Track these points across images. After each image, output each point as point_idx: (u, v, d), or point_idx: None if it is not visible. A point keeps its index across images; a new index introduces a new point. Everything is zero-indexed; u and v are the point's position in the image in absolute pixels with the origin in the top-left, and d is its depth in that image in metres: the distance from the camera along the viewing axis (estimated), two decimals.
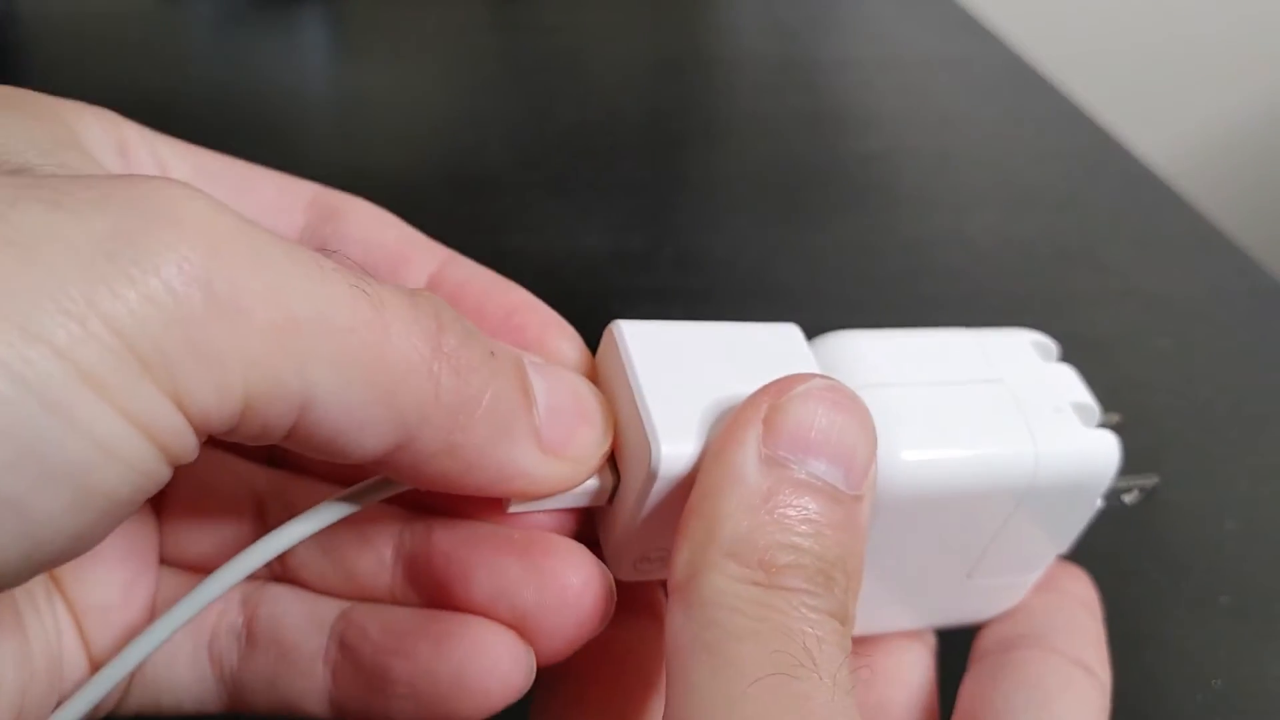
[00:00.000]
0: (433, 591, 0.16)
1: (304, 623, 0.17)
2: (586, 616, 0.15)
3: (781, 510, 0.14)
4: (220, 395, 0.12)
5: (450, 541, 0.16)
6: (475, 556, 0.16)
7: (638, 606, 0.19)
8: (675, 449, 0.15)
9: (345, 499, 0.16)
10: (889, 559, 0.18)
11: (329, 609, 0.17)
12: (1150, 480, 0.19)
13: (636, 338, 0.16)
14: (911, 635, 0.21)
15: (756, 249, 0.44)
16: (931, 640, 0.22)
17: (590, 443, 0.16)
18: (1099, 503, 0.19)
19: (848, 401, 0.15)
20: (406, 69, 0.59)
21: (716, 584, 0.14)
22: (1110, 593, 0.22)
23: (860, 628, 0.16)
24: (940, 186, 0.52)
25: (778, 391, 0.15)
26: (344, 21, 0.65)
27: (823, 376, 0.15)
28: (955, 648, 0.21)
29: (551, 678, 0.18)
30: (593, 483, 0.16)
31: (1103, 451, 0.18)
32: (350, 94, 0.58)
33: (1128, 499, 0.19)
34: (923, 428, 0.17)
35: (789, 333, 0.18)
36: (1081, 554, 0.21)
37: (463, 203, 0.46)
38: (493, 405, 0.14)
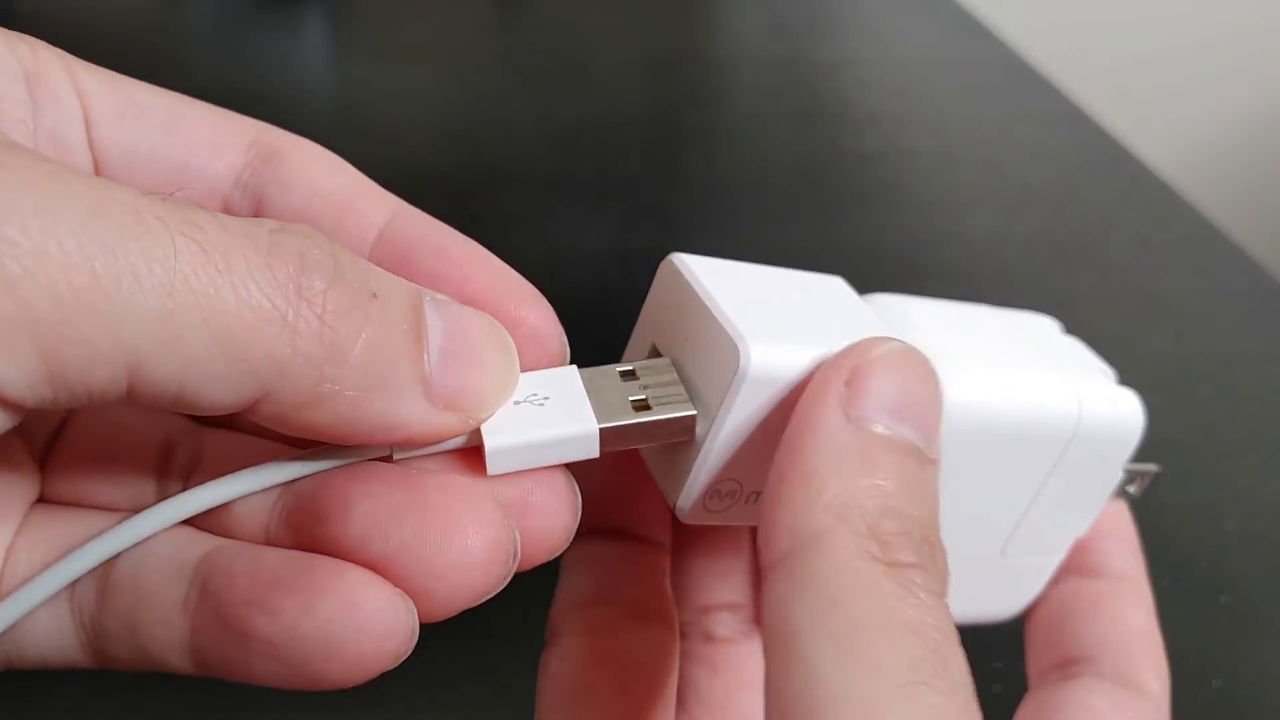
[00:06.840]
0: (308, 526, 0.14)
1: (166, 564, 0.14)
2: (482, 579, 0.14)
3: (875, 472, 0.14)
4: (13, 367, 0.11)
5: (341, 474, 0.14)
6: (358, 487, 0.14)
7: (647, 614, 0.18)
8: (764, 348, 0.15)
9: (295, 459, 0.14)
10: None
11: (195, 547, 0.15)
12: (1150, 468, 0.20)
13: (699, 265, 0.16)
14: None
15: (756, 249, 0.44)
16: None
17: (486, 389, 0.14)
18: (1121, 473, 0.19)
19: (922, 366, 0.15)
20: (407, 69, 0.59)
21: (835, 559, 0.13)
22: None
23: None
24: (940, 186, 0.52)
25: (859, 353, 0.15)
26: (344, 21, 0.65)
27: (899, 340, 0.15)
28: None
29: (557, 685, 0.18)
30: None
31: (1131, 406, 0.19)
32: (350, 94, 0.58)
33: (1133, 490, 0.20)
34: (976, 363, 0.17)
35: (838, 284, 0.18)
36: None
37: (463, 203, 0.46)
38: (367, 352, 0.13)
